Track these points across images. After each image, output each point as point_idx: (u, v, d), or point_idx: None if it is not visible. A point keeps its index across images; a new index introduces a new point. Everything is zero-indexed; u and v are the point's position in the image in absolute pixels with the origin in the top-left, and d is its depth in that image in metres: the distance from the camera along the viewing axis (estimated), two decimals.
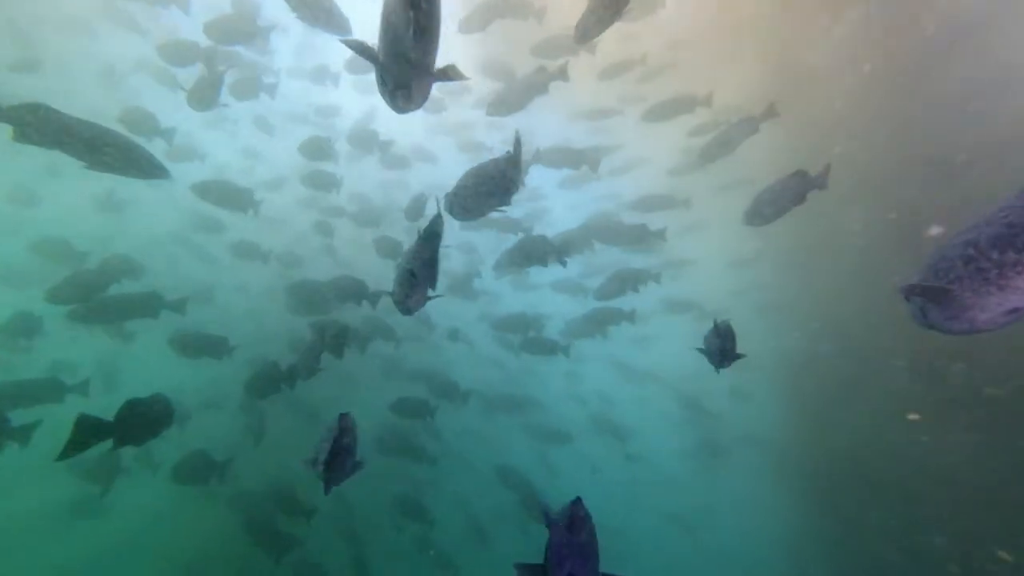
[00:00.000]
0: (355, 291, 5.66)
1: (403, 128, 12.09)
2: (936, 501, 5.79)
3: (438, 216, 2.98)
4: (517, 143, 3.21)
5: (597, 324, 7.37)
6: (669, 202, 7.54)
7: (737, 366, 3.90)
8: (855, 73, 7.45)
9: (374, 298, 5.74)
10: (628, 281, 6.65)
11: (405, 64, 2.24)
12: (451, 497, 11.33)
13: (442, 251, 9.56)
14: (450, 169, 6.73)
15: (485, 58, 7.94)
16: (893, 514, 6.44)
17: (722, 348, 3.45)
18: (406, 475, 9.90)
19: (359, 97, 11.05)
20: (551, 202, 11.65)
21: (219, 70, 4.99)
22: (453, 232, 10.90)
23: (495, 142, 10.80)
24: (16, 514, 8.66)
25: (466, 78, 2.45)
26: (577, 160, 6.02)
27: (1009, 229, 1.95)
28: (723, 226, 11.82)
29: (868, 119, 7.26)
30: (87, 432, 3.34)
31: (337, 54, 8.49)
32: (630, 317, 7.10)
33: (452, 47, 10.19)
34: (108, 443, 3.53)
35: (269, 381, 5.05)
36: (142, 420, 3.84)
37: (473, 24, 6.25)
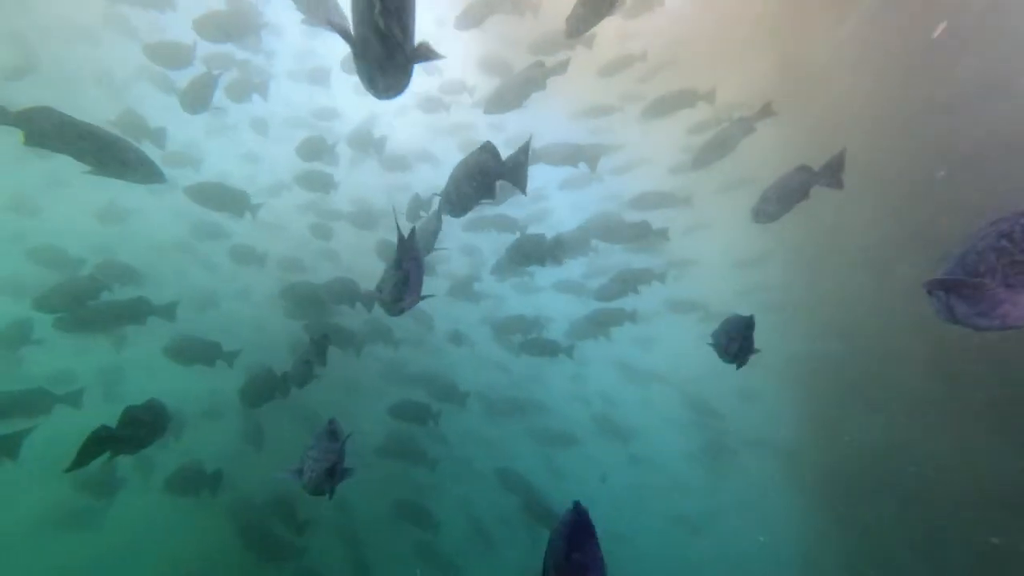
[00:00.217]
0: (349, 293, 5.55)
1: (404, 130, 12.05)
2: (957, 506, 5.58)
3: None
4: (525, 149, 3.28)
5: (599, 325, 7.23)
6: (670, 200, 7.39)
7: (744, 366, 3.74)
8: (863, 69, 7.30)
9: (368, 300, 5.63)
10: (630, 282, 6.50)
11: (379, 40, 2.18)
12: (456, 501, 11.19)
13: (444, 252, 9.44)
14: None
15: (484, 56, 7.83)
16: (912, 520, 6.23)
17: (741, 343, 3.29)
18: (410, 480, 9.78)
19: (358, 100, 10.99)
20: (553, 203, 11.53)
21: (213, 72, 4.90)
22: (455, 234, 10.83)
23: (498, 143, 10.68)
24: (9, 526, 8.59)
25: (442, 56, 2.38)
26: (575, 157, 5.89)
27: None
28: (727, 226, 11.67)
29: (877, 116, 7.10)
30: (98, 442, 3.34)
31: (335, 57, 8.43)
32: (632, 317, 6.95)
33: (452, 46, 10.16)
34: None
35: (264, 388, 4.94)
36: (140, 428, 3.80)
37: (469, 20, 6.14)
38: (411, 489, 9.51)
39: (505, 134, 10.56)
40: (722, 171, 7.78)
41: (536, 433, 11.69)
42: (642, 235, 5.99)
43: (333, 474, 2.62)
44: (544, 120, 10.20)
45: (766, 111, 5.30)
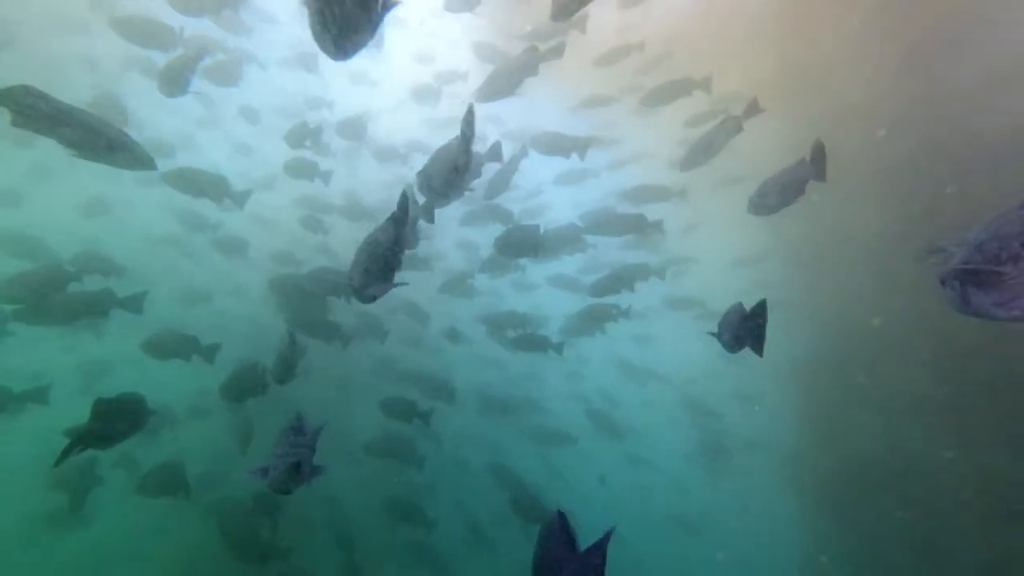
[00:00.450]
0: (333, 284, 5.36)
1: (399, 123, 11.85)
2: (959, 508, 5.45)
3: (403, 198, 2.72)
4: (468, 118, 3.05)
5: (592, 320, 7.06)
6: (665, 193, 7.22)
7: (743, 364, 3.60)
8: (869, 62, 7.14)
9: (342, 288, 5.45)
10: (625, 278, 6.35)
11: None
12: (451, 500, 11.04)
13: (440, 249, 9.24)
14: None
15: (479, 46, 7.64)
16: (913, 522, 6.10)
17: (751, 330, 3.15)
18: (403, 478, 9.62)
19: (354, 89, 10.79)
20: (550, 198, 11.36)
21: (190, 55, 4.69)
22: (452, 229, 10.65)
23: (496, 135, 10.54)
24: None
25: (400, 2, 2.21)
26: (567, 147, 5.73)
27: None
28: (726, 222, 11.51)
29: (879, 110, 6.96)
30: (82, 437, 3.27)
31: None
32: (627, 314, 6.79)
33: (447, 35, 9.99)
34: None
35: (245, 384, 4.76)
36: (114, 422, 3.63)
37: (461, 3, 5.95)
38: (405, 487, 9.36)
39: (505, 127, 10.38)
40: (720, 167, 7.65)
41: (532, 432, 11.54)
42: (638, 227, 5.83)
43: (299, 471, 2.44)
44: (543, 114, 10.04)
45: (753, 108, 5.14)
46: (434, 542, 9.36)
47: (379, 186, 10.96)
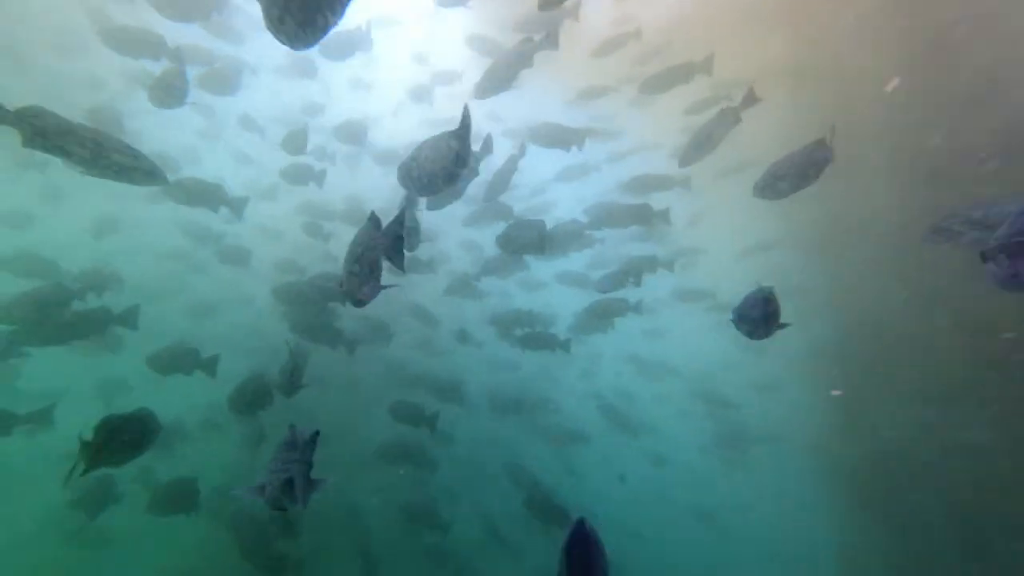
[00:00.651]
0: (333, 288, 5.29)
1: (399, 126, 11.79)
2: (1003, 496, 5.23)
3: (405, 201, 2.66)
4: (466, 115, 3.10)
5: (600, 317, 6.91)
6: (667, 182, 7.03)
7: (760, 354, 3.46)
8: (881, 44, 6.90)
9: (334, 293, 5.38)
10: (632, 272, 6.20)
11: None
12: (468, 503, 10.95)
13: (445, 250, 9.15)
14: None
15: (476, 42, 7.52)
16: (956, 514, 5.87)
17: (765, 314, 3.06)
18: (421, 482, 9.56)
19: (351, 93, 10.74)
20: (554, 195, 11.21)
21: (179, 65, 4.64)
22: (456, 229, 10.55)
23: (496, 134, 10.41)
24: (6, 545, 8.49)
25: None
26: (566, 139, 5.60)
27: None
28: (734, 211, 11.28)
29: (896, 91, 6.71)
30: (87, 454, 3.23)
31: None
32: (636, 308, 6.63)
33: (443, 34, 9.88)
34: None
35: (252, 396, 4.71)
36: (123, 439, 3.58)
37: None
38: (422, 491, 9.30)
39: (505, 125, 10.25)
40: (725, 155, 7.47)
41: (546, 431, 11.41)
42: (643, 218, 5.68)
43: (293, 486, 2.35)
44: (541, 109, 9.89)
45: (751, 98, 4.97)
46: (452, 545, 9.29)
47: (382, 190, 10.92)
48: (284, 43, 2.13)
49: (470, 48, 7.45)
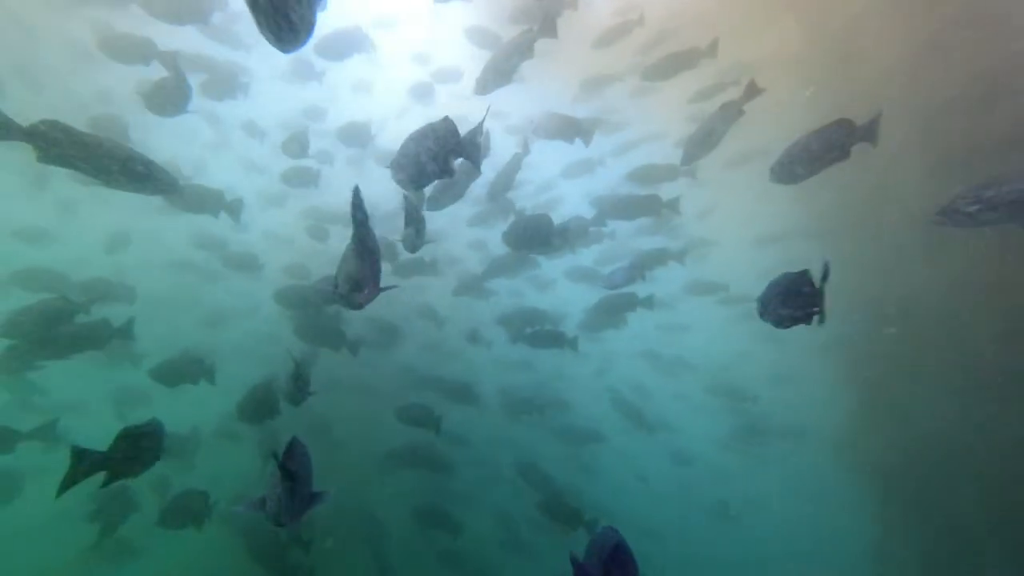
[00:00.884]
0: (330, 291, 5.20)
1: (404, 128, 11.73)
2: None
3: (355, 193, 2.56)
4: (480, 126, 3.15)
5: (610, 313, 6.75)
6: (674, 172, 6.84)
7: (780, 345, 3.30)
8: (904, 26, 6.61)
9: (324, 296, 5.30)
10: (642, 267, 6.04)
11: None
12: (485, 506, 10.87)
13: (453, 250, 9.04)
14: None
15: (471, 28, 7.40)
16: (998, 509, 5.60)
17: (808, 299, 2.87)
18: (436, 486, 9.49)
19: (353, 96, 10.70)
20: (561, 191, 11.07)
21: (178, 70, 4.60)
22: (462, 230, 10.47)
23: (499, 131, 10.33)
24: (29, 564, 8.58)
25: None
26: (572, 130, 5.47)
27: None
28: (746, 200, 11.03)
29: (922, 73, 6.42)
30: (82, 464, 3.16)
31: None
32: (647, 303, 6.46)
33: (444, 32, 9.78)
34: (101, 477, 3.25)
35: (260, 404, 4.66)
36: (139, 449, 3.57)
37: None
38: (437, 494, 9.23)
39: (507, 121, 10.13)
40: (734, 145, 7.27)
41: (562, 431, 11.27)
42: (652, 208, 5.52)
43: (294, 501, 2.28)
44: (545, 105, 9.76)
45: (752, 90, 4.79)
46: (468, 548, 9.21)
47: (387, 192, 10.87)
48: (272, 44, 2.08)
49: (470, 42, 7.35)
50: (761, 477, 12.97)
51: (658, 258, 7.04)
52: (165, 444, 3.90)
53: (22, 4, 9.21)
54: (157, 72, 5.31)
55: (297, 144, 6.43)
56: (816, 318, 2.90)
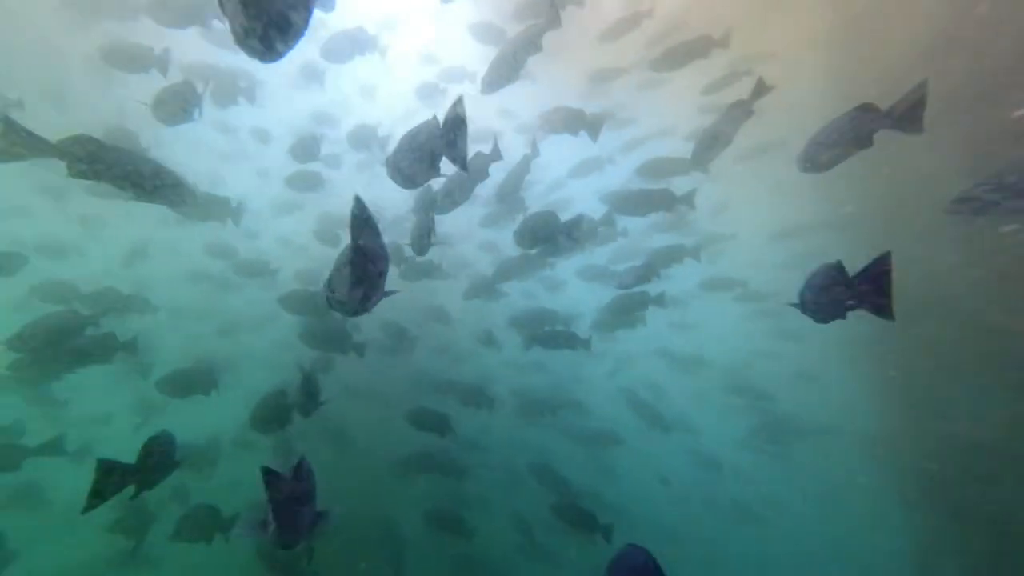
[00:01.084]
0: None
1: (407, 128, 11.71)
2: None
3: (357, 200, 2.47)
4: (457, 108, 3.01)
5: (623, 313, 6.58)
6: (686, 165, 6.65)
7: (800, 341, 3.14)
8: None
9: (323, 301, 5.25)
10: (655, 265, 5.87)
11: None
12: (502, 510, 10.76)
13: (464, 253, 8.95)
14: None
15: (476, 24, 7.31)
16: None
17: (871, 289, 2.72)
18: (450, 492, 9.40)
19: (361, 100, 10.71)
20: (571, 191, 10.93)
21: (191, 81, 4.59)
22: (473, 232, 10.38)
23: (507, 130, 10.24)
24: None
25: None
26: (577, 123, 5.34)
27: None
28: (764, 192, 10.74)
29: (954, 57, 6.14)
30: (109, 478, 3.20)
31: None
32: (660, 301, 6.27)
33: (450, 32, 9.73)
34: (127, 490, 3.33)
35: (272, 413, 4.62)
36: (160, 461, 3.64)
37: None
38: (453, 499, 9.14)
39: (517, 120, 10.04)
40: (752, 133, 7.05)
41: (579, 433, 11.10)
42: (665, 203, 5.35)
43: (298, 522, 2.19)
44: (554, 102, 9.63)
45: (761, 89, 4.61)
46: (485, 553, 9.09)
47: (397, 196, 10.84)
48: (257, 55, 2.00)
49: (475, 39, 7.27)
50: (785, 478, 12.61)
51: (673, 255, 6.87)
52: (178, 455, 3.90)
53: (45, 24, 9.40)
54: (170, 81, 5.35)
55: (304, 148, 6.42)
56: (871, 310, 2.73)
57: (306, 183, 7.07)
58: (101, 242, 12.41)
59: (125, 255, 11.10)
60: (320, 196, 8.41)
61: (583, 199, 11.02)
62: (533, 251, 6.00)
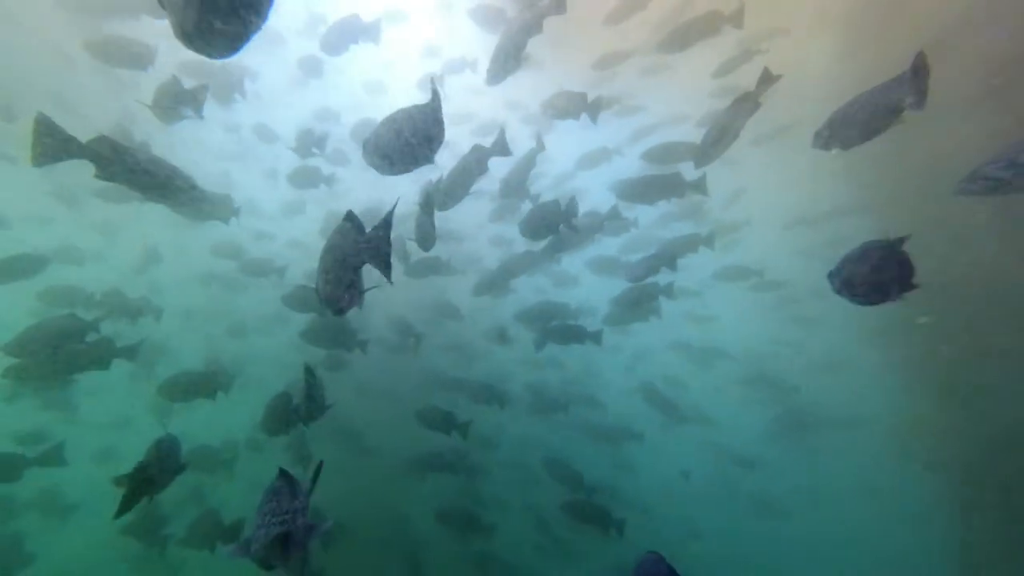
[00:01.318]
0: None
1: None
2: None
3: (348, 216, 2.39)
4: (435, 95, 2.98)
5: (633, 306, 6.38)
6: (695, 150, 6.40)
7: (822, 329, 2.96)
8: None
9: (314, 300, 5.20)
10: (666, 257, 5.67)
11: None
12: (519, 509, 10.65)
13: (475, 249, 8.80)
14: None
15: (476, 7, 7.13)
16: None
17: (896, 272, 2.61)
18: (468, 491, 9.32)
19: (369, 99, 10.62)
20: (580, 182, 10.71)
21: (176, 77, 4.50)
22: (483, 225, 10.22)
23: (514, 121, 10.05)
24: None
25: None
26: (579, 106, 5.15)
27: None
28: (780, 177, 10.40)
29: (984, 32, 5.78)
30: (139, 483, 3.26)
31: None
32: (668, 292, 6.05)
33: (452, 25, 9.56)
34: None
35: (281, 416, 4.55)
36: (166, 465, 3.61)
37: None
38: (469, 498, 9.06)
39: (523, 112, 9.84)
40: (764, 117, 6.77)
41: (593, 428, 10.94)
42: (676, 189, 5.13)
43: (286, 542, 2.04)
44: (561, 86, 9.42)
45: (767, 79, 4.35)
46: (505, 551, 9.00)
47: (401, 191, 10.73)
48: (207, 52, 1.91)
49: (476, 24, 7.08)
50: (812, 471, 12.25)
51: (686, 244, 6.65)
52: (184, 458, 3.86)
53: (48, 26, 9.44)
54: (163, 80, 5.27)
55: (304, 144, 6.33)
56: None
57: (308, 180, 6.98)
58: (117, 247, 12.52)
59: (138, 259, 11.17)
60: (328, 194, 8.33)
61: (593, 191, 10.82)
62: (541, 243, 5.85)
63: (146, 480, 3.28)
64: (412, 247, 5.12)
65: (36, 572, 7.05)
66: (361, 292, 2.42)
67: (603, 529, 5.93)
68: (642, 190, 5.40)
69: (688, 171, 5.48)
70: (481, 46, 7.95)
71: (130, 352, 4.62)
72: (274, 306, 12.21)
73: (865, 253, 2.79)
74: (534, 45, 4.63)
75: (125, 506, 3.17)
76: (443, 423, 5.90)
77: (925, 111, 3.09)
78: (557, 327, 6.29)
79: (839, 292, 2.88)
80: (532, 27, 4.07)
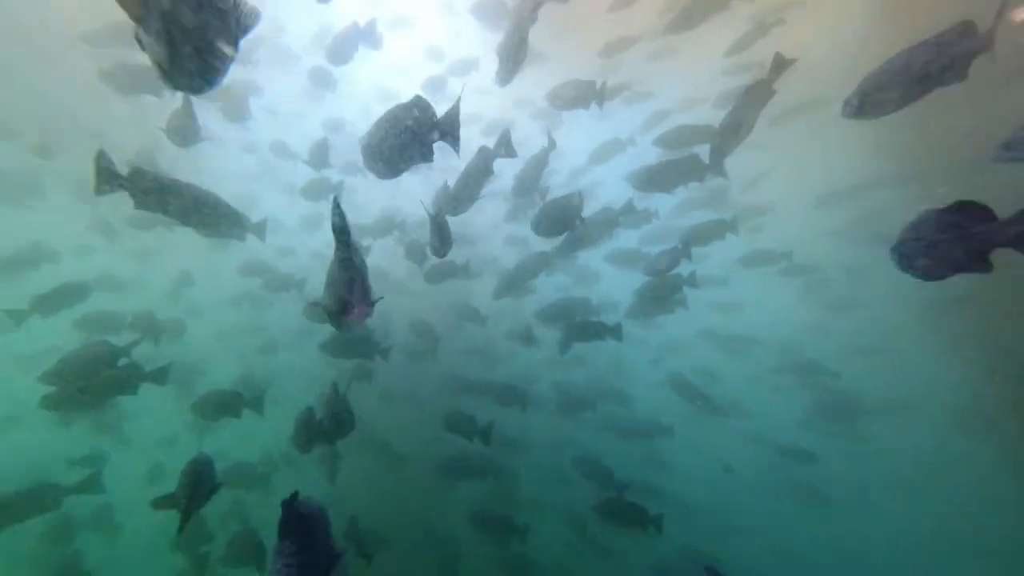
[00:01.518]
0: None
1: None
2: None
3: (335, 204, 2.32)
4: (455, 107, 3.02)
5: (655, 299, 6.19)
6: (710, 132, 6.15)
7: (856, 311, 2.74)
8: None
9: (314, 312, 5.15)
10: (688, 246, 5.47)
11: None
12: (552, 510, 10.54)
13: (492, 251, 8.74)
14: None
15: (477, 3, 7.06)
16: None
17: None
18: (500, 494, 9.26)
19: (379, 107, 10.67)
20: (594, 176, 10.52)
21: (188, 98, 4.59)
22: (498, 226, 10.17)
23: (523, 117, 9.97)
24: None
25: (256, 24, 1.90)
26: (587, 95, 5.02)
27: None
28: (806, 154, 10.00)
29: None
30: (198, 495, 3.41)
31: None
32: (692, 282, 5.85)
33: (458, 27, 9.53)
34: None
35: (309, 431, 4.57)
36: (202, 485, 3.64)
37: None
38: (501, 500, 8.99)
39: (533, 108, 9.74)
40: (784, 93, 6.49)
41: (624, 425, 10.73)
42: (694, 172, 4.94)
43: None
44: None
45: (780, 64, 4.11)
46: (541, 553, 8.91)
47: (413, 199, 10.77)
48: (185, 88, 1.98)
49: (476, 20, 7.02)
50: (860, 460, 11.70)
51: (710, 231, 6.43)
52: (218, 477, 3.90)
53: (77, 64, 9.85)
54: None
55: (316, 156, 6.39)
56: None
57: (320, 192, 7.05)
58: (153, 273, 12.97)
59: (173, 284, 11.53)
60: (345, 204, 8.38)
61: (609, 184, 10.63)
62: (556, 241, 5.74)
63: (191, 499, 3.34)
64: (429, 252, 5.11)
65: None
66: (371, 303, 2.37)
67: (641, 527, 5.80)
68: (659, 177, 5.23)
69: (706, 154, 5.30)
70: (484, 46, 7.91)
71: (159, 376, 4.72)
72: (298, 320, 12.49)
73: (946, 215, 2.50)
74: (538, 39, 4.53)
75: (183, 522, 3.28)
76: (466, 428, 5.86)
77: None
78: (577, 324, 6.16)
79: (905, 268, 2.64)
80: (530, 16, 3.97)
